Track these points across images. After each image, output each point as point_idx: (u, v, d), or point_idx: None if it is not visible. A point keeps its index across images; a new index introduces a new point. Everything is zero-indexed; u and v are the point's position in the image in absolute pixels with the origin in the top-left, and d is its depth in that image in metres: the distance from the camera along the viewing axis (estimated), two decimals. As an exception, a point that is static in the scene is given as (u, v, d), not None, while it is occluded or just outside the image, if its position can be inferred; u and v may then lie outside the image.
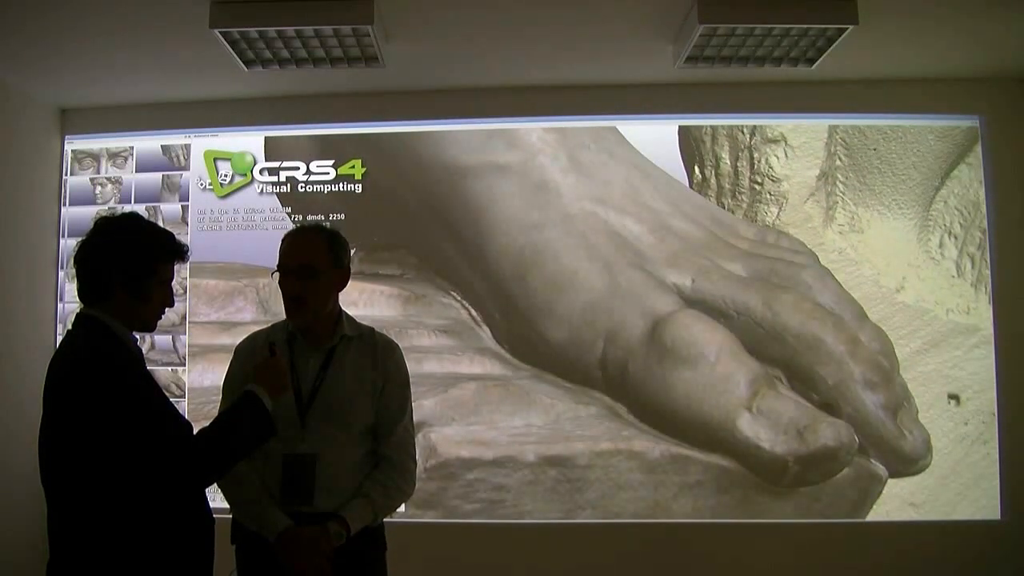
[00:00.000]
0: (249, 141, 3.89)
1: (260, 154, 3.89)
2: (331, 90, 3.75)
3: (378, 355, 2.15)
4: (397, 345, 2.21)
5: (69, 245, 3.85)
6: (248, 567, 2.06)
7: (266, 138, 3.88)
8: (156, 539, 1.73)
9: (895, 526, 3.53)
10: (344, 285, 2.14)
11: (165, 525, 1.75)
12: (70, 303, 3.80)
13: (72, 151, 3.96)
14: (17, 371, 3.45)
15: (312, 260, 2.06)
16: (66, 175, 3.95)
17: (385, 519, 2.13)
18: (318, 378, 2.08)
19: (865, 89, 3.66)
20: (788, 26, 2.94)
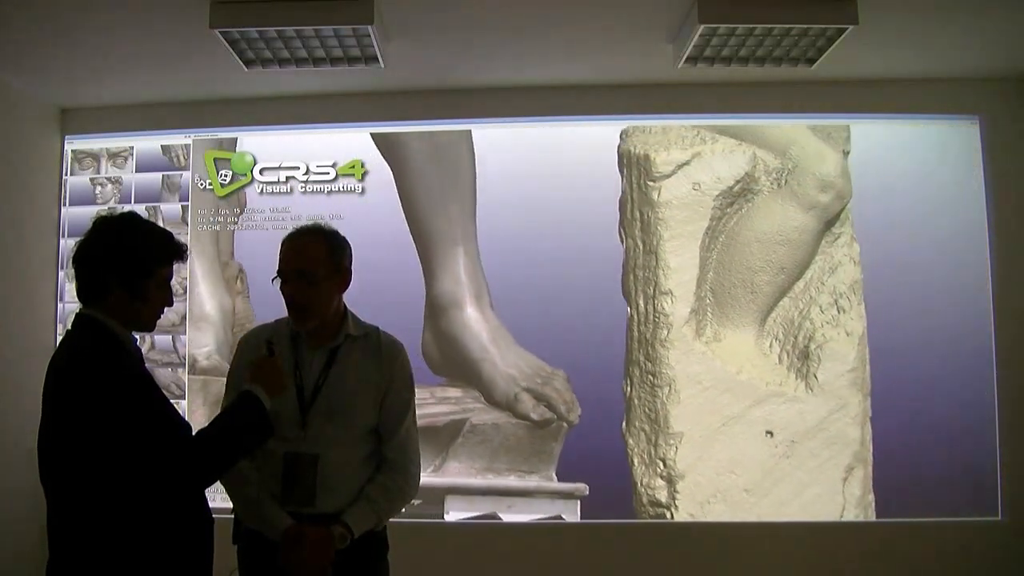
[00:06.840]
0: (251, 141, 3.90)
1: (259, 155, 3.88)
2: (331, 90, 3.75)
3: (383, 356, 2.12)
4: (403, 346, 2.17)
5: (69, 245, 3.84)
6: (249, 567, 2.06)
7: (374, 135, 3.88)
8: (155, 539, 1.73)
9: (895, 526, 3.55)
10: (346, 286, 2.11)
11: (164, 525, 1.75)
12: (70, 303, 3.80)
13: (72, 151, 3.96)
14: (17, 371, 3.44)
15: (311, 267, 2.02)
16: (66, 175, 3.95)
17: (386, 519, 2.13)
18: (321, 377, 2.06)
19: (865, 89, 3.68)
20: (788, 26, 2.95)
